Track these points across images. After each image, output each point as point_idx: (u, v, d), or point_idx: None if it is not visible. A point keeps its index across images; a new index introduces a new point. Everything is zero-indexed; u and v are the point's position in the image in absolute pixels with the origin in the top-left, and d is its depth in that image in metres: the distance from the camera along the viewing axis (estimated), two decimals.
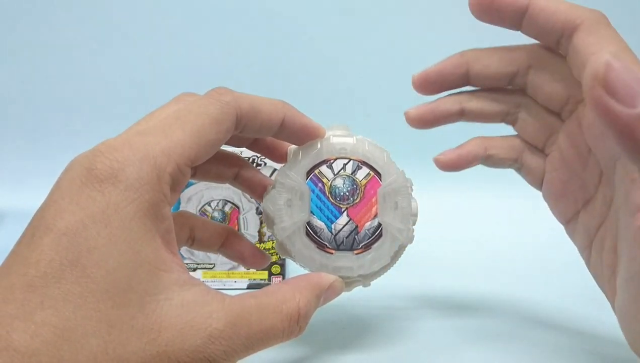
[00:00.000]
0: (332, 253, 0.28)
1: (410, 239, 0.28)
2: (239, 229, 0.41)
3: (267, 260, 0.33)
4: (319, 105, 0.73)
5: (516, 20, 0.27)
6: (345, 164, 0.28)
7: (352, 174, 0.28)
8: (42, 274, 0.19)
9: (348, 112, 0.70)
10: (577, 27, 0.25)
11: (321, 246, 0.28)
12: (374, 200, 0.28)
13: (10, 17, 0.68)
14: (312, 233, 0.28)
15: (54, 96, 0.70)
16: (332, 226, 0.28)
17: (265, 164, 0.39)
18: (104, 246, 0.19)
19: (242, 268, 0.41)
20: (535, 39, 0.28)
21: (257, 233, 0.40)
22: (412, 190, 0.29)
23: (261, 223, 0.40)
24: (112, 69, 0.69)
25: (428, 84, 0.30)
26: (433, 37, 0.69)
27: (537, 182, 0.31)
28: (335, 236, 0.28)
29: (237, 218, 0.40)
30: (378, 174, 0.28)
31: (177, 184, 0.22)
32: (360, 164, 0.28)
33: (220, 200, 0.40)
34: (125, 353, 0.19)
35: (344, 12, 0.69)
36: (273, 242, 0.41)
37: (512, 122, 0.31)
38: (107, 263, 0.19)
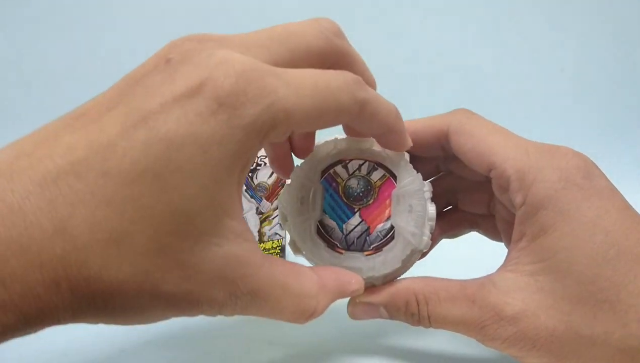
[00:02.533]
0: (342, 253, 0.28)
1: (426, 245, 0.28)
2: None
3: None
4: None
5: None
6: (360, 165, 0.28)
7: (367, 174, 0.28)
8: (121, 180, 0.17)
9: None
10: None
11: (331, 245, 0.28)
12: (387, 202, 0.28)
13: (10, 17, 0.67)
14: (323, 232, 0.28)
15: (54, 96, 0.68)
16: (344, 226, 0.28)
17: (265, 163, 0.39)
18: (191, 172, 0.18)
19: None
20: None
21: (257, 233, 0.40)
22: (430, 194, 0.28)
23: (261, 223, 0.40)
24: (112, 69, 0.68)
25: None
26: (433, 37, 0.69)
27: (497, 239, 0.32)
28: (346, 236, 0.28)
29: None
30: (393, 175, 0.28)
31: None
32: (375, 165, 0.28)
33: None
34: (162, 279, 0.18)
35: (345, 12, 0.69)
36: (273, 242, 0.40)
37: (454, 202, 0.33)
38: (184, 191, 0.18)
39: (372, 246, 0.28)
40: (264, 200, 0.40)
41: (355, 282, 0.26)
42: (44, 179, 0.17)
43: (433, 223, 0.28)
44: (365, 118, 0.23)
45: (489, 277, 0.27)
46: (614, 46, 0.70)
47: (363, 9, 0.69)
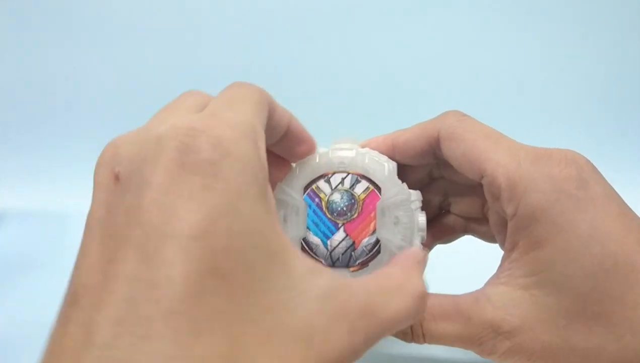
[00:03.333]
0: None
1: None
2: None
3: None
4: (321, 106, 0.72)
5: None
6: (343, 178, 0.27)
7: (350, 188, 0.27)
8: (182, 296, 0.15)
9: (349, 112, 0.69)
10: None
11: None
12: (372, 215, 0.27)
13: (10, 17, 0.68)
14: (307, 249, 0.27)
15: (54, 96, 0.69)
16: (329, 242, 0.27)
17: None
18: (238, 240, 0.16)
19: None
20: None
21: None
22: (419, 203, 0.28)
23: None
24: (113, 69, 0.69)
25: None
26: (434, 36, 0.68)
27: (491, 241, 0.31)
28: (331, 252, 0.27)
29: None
30: (378, 187, 0.27)
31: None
32: (359, 178, 0.27)
33: None
34: (291, 360, 0.16)
35: (345, 12, 0.68)
36: None
37: (447, 207, 0.32)
38: (243, 262, 0.16)
39: (357, 261, 0.27)
40: None
41: (417, 250, 0.25)
42: None
43: (424, 233, 0.27)
44: (270, 112, 0.22)
45: (482, 291, 0.26)
46: (614, 46, 0.68)
47: (363, 9, 0.68)
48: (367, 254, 0.27)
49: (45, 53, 0.68)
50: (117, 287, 0.15)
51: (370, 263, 0.27)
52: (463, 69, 0.67)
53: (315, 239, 0.27)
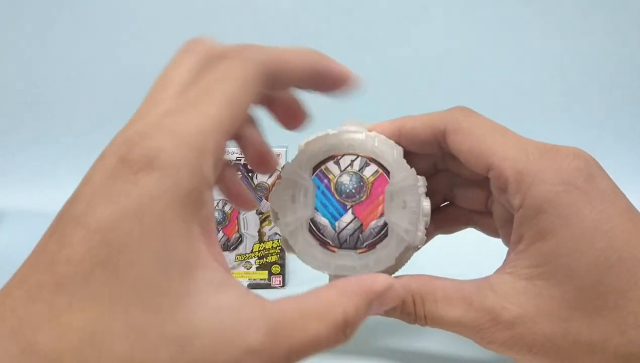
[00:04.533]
0: (334, 252, 0.27)
1: (421, 241, 0.27)
2: (238, 229, 0.40)
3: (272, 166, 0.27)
4: (320, 106, 0.72)
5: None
6: (353, 161, 0.28)
7: (359, 170, 0.27)
8: (71, 273, 0.17)
9: (349, 112, 0.69)
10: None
11: (324, 243, 0.27)
12: (380, 198, 0.27)
13: (10, 17, 0.68)
14: (315, 230, 0.27)
15: (55, 96, 0.70)
16: (336, 223, 0.27)
17: None
18: (136, 244, 0.18)
19: (242, 268, 0.40)
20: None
21: (257, 234, 0.39)
22: (424, 189, 0.28)
23: (261, 223, 0.39)
24: (113, 68, 0.69)
25: None
26: (435, 36, 0.69)
27: (494, 235, 0.31)
28: (339, 234, 0.27)
29: (237, 218, 0.40)
30: (387, 171, 0.27)
31: (217, 162, 0.21)
32: (368, 161, 0.28)
33: (220, 199, 0.39)
34: (152, 361, 0.17)
35: (346, 11, 0.69)
36: (273, 242, 0.40)
37: (451, 199, 0.32)
38: (138, 264, 0.18)
39: (365, 244, 0.27)
40: (264, 200, 0.39)
41: (381, 281, 0.22)
42: None
43: (428, 218, 0.27)
44: (279, 73, 0.22)
45: (487, 279, 0.26)
46: (615, 46, 0.69)
47: (363, 9, 0.69)
48: (374, 237, 0.27)
49: (46, 53, 0.69)
50: (35, 255, 0.18)
51: (378, 246, 0.27)
52: (461, 68, 0.68)
53: (323, 220, 0.27)
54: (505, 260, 0.26)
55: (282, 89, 0.24)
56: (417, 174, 0.28)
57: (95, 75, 0.69)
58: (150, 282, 0.18)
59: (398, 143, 0.29)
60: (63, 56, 0.69)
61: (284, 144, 0.41)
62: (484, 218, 0.31)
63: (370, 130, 0.29)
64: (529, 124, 0.68)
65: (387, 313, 0.27)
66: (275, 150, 0.40)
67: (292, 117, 0.25)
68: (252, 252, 0.40)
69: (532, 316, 0.24)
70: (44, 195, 0.63)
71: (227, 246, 0.40)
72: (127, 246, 0.18)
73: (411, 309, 0.26)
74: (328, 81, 0.24)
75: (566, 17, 0.68)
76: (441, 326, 0.26)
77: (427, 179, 0.29)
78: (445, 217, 0.32)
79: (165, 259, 0.18)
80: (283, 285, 0.40)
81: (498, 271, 0.26)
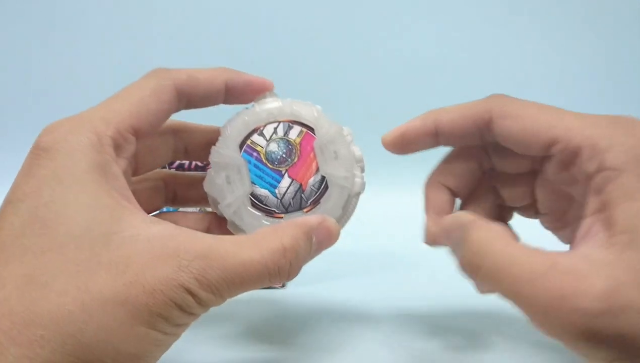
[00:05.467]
0: (282, 217, 0.27)
1: (361, 186, 0.28)
2: None
3: None
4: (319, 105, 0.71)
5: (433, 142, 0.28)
6: (275, 128, 0.28)
7: (284, 135, 0.28)
8: (4, 238, 0.20)
9: (349, 110, 0.69)
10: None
11: (269, 213, 0.27)
12: (312, 155, 0.27)
13: (10, 16, 0.66)
14: (257, 202, 0.27)
15: (54, 96, 0.67)
16: (276, 191, 0.27)
17: None
18: (60, 198, 0.20)
19: None
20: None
21: None
22: (351, 138, 0.28)
23: None
24: (112, 68, 0.67)
25: (399, 146, 0.28)
26: (436, 35, 0.69)
27: (533, 217, 0.30)
28: (281, 200, 0.27)
29: None
30: (311, 129, 0.28)
31: (121, 149, 0.23)
32: (290, 124, 0.28)
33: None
34: (96, 286, 0.19)
35: (346, 10, 0.69)
36: None
37: (500, 201, 0.30)
38: (65, 213, 0.20)
39: (309, 201, 0.27)
40: None
41: (313, 216, 0.25)
42: None
43: (362, 163, 0.28)
44: (191, 86, 0.26)
45: (570, 251, 0.23)
46: (615, 46, 0.70)
47: (363, 9, 0.68)
48: (316, 193, 0.27)
49: (46, 53, 0.67)
50: None
51: (321, 200, 0.27)
52: (461, 69, 0.68)
53: (263, 191, 0.27)
54: (584, 235, 0.23)
55: (205, 101, 0.28)
56: (467, 180, 0.28)
57: (96, 76, 0.67)
58: (79, 224, 0.20)
59: (435, 140, 0.28)
60: (63, 56, 0.67)
61: None
62: (524, 208, 0.30)
63: (401, 133, 0.28)
64: None
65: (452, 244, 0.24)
66: None
67: (249, 95, 0.28)
68: None
69: (627, 289, 0.19)
70: None
71: None
72: (53, 202, 0.20)
73: (469, 254, 0.22)
74: (243, 91, 0.28)
75: (566, 16, 0.69)
76: (496, 281, 0.21)
77: (477, 187, 0.29)
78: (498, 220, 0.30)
79: (92, 208, 0.20)
80: (283, 286, 0.39)
81: (579, 245, 0.23)
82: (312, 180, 0.27)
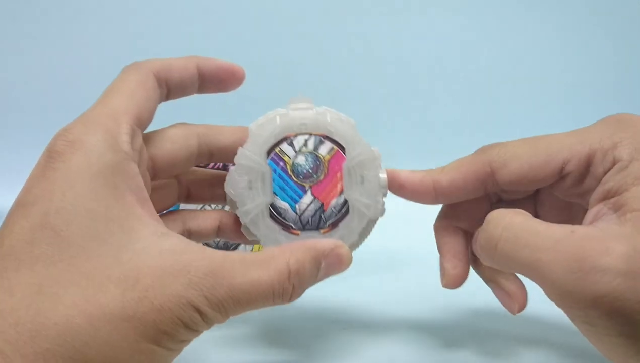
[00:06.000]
0: (298, 234, 0.27)
1: (381, 213, 0.27)
2: None
3: None
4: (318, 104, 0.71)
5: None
6: (306, 140, 0.27)
7: (314, 149, 0.27)
8: (14, 242, 0.19)
9: (347, 111, 0.68)
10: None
11: (286, 227, 0.27)
12: (339, 175, 0.27)
13: (10, 17, 0.64)
14: (276, 215, 0.27)
15: (54, 96, 0.67)
16: (297, 206, 0.27)
17: None
18: (71, 205, 0.20)
19: None
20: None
21: None
22: (380, 161, 0.27)
23: None
24: (114, 69, 0.66)
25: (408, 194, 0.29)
26: (436, 35, 0.68)
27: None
28: (300, 216, 0.27)
29: None
30: (342, 148, 0.27)
31: (134, 140, 0.23)
32: (322, 139, 0.27)
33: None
34: (104, 300, 0.19)
35: (344, 9, 0.67)
36: None
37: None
38: (76, 221, 0.20)
39: (327, 223, 0.27)
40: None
41: (326, 241, 0.24)
42: None
43: (386, 189, 0.27)
44: (166, 71, 0.26)
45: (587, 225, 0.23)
46: (615, 46, 0.69)
47: (364, 9, 0.67)
48: (336, 215, 0.27)
49: (45, 53, 0.66)
50: None
51: (340, 224, 0.27)
52: (460, 69, 0.67)
53: (283, 204, 0.27)
54: (593, 217, 0.23)
55: (182, 92, 0.28)
56: (478, 217, 0.26)
57: (96, 78, 0.66)
58: (90, 234, 0.20)
59: (434, 199, 0.28)
60: (63, 57, 0.66)
61: None
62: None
63: (394, 179, 0.28)
64: (529, 125, 0.68)
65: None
66: None
67: (222, 80, 0.28)
68: (252, 251, 0.39)
69: None
70: None
71: (227, 246, 0.39)
72: (64, 208, 0.20)
73: (489, 231, 0.23)
74: (215, 76, 0.28)
75: (567, 16, 0.68)
76: (518, 251, 0.22)
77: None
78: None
79: (103, 216, 0.20)
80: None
81: (593, 223, 0.23)
82: (335, 201, 0.27)
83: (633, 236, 0.20)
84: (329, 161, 0.27)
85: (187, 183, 0.30)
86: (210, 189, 0.30)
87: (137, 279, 0.20)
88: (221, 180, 0.29)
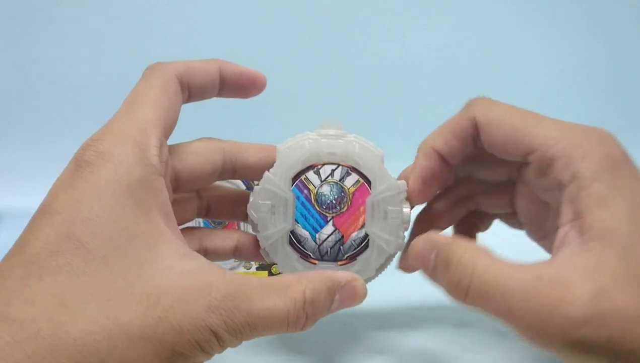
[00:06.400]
0: (315, 264, 0.27)
1: (400, 247, 0.27)
2: (238, 228, 0.40)
3: None
4: (320, 105, 0.71)
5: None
6: (333, 170, 0.27)
7: (340, 180, 0.27)
8: (39, 250, 0.19)
9: (348, 112, 0.68)
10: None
11: (305, 256, 0.27)
12: (362, 209, 0.27)
13: (10, 17, 0.68)
14: (295, 242, 0.27)
15: (54, 96, 0.69)
16: (317, 235, 0.27)
17: None
18: (98, 217, 0.20)
19: (242, 268, 0.40)
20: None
21: None
22: (405, 194, 0.27)
23: None
24: (113, 69, 0.69)
25: (425, 194, 0.29)
26: (436, 35, 0.68)
27: (518, 227, 0.31)
28: (319, 246, 0.27)
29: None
30: (368, 181, 0.27)
31: (162, 154, 0.23)
32: (349, 170, 0.27)
33: None
34: (125, 318, 0.19)
35: (346, 11, 0.68)
36: None
37: (474, 206, 0.31)
38: (102, 233, 0.20)
39: (346, 255, 0.27)
40: None
41: (343, 273, 0.24)
42: None
43: (408, 224, 0.27)
44: (188, 75, 0.26)
45: (551, 260, 0.23)
46: (614, 47, 0.68)
47: (362, 9, 0.67)
48: (355, 248, 0.27)
49: (45, 53, 0.68)
50: (13, 246, 0.20)
51: (358, 258, 0.26)
52: (460, 70, 0.66)
53: (304, 232, 0.27)
54: (561, 244, 0.24)
55: (202, 95, 0.27)
56: (459, 149, 0.27)
57: (95, 77, 0.69)
58: (115, 248, 0.20)
59: (449, 169, 0.28)
60: (63, 58, 0.68)
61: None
62: (507, 217, 0.31)
63: (421, 181, 0.28)
64: None
65: (437, 271, 0.25)
66: None
67: (244, 87, 0.28)
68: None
69: (610, 292, 0.20)
70: (44, 196, 0.63)
71: None
72: (90, 220, 0.20)
73: (454, 263, 0.23)
74: (236, 82, 0.27)
75: (566, 17, 0.67)
76: (488, 298, 0.22)
77: (448, 190, 0.30)
78: (468, 226, 0.32)
79: (128, 231, 0.20)
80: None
81: (558, 253, 0.23)
82: (355, 234, 0.27)
83: (596, 270, 0.21)
84: (353, 193, 0.27)
85: (208, 198, 0.30)
86: (231, 207, 0.30)
87: (158, 298, 0.20)
88: (242, 199, 0.29)
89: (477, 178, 0.30)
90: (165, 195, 0.23)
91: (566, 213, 0.24)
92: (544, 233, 0.29)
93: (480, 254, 0.23)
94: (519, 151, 0.25)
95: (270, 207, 0.27)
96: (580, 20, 0.67)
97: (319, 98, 0.69)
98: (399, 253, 0.27)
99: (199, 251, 0.28)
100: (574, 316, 0.20)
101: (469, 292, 0.22)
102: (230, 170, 0.28)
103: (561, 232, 0.24)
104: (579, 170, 0.23)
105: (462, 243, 0.23)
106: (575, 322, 0.20)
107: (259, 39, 0.68)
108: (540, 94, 0.68)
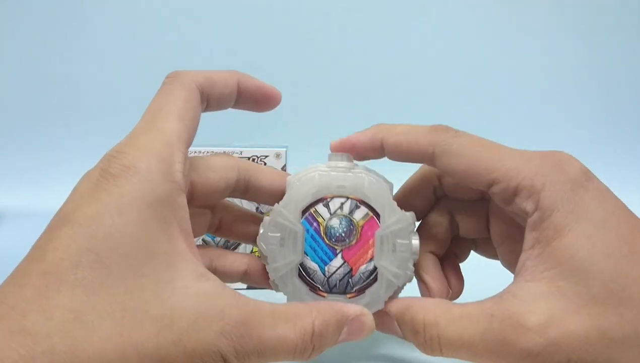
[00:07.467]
0: (324, 297, 0.27)
1: (409, 279, 0.27)
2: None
3: None
4: (320, 106, 0.71)
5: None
6: (342, 203, 0.27)
7: (349, 213, 0.27)
8: (58, 260, 0.19)
9: (348, 112, 0.68)
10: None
11: (313, 288, 0.27)
12: (370, 242, 0.27)
13: (11, 18, 0.67)
14: (304, 275, 0.27)
15: (54, 97, 0.69)
16: (326, 268, 0.27)
17: (265, 163, 0.39)
18: (119, 233, 0.20)
19: None
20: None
21: None
22: (414, 226, 0.27)
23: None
24: (113, 70, 0.68)
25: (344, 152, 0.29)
26: (436, 36, 0.68)
27: (494, 257, 0.31)
28: (328, 279, 0.27)
29: None
30: (377, 214, 0.27)
31: (185, 169, 0.23)
32: (358, 203, 0.27)
33: None
34: (139, 337, 0.19)
35: (346, 11, 0.67)
36: None
37: (456, 230, 0.32)
38: (121, 250, 0.20)
39: (354, 288, 0.27)
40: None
41: (353, 306, 0.25)
42: None
43: (416, 256, 0.27)
44: (208, 87, 0.26)
45: (506, 290, 0.25)
46: (614, 48, 0.68)
47: (361, 11, 0.67)
48: (364, 281, 0.27)
49: (45, 54, 0.68)
50: (28, 253, 0.20)
51: (367, 291, 0.27)
52: (459, 71, 0.66)
53: (313, 265, 0.27)
54: (520, 269, 0.25)
55: (218, 106, 0.27)
56: (418, 207, 0.28)
57: (96, 78, 0.68)
58: (133, 266, 0.20)
59: (382, 154, 0.28)
60: (63, 58, 0.68)
61: (283, 144, 0.41)
62: (484, 243, 0.31)
63: (345, 143, 0.28)
64: (529, 127, 0.67)
65: (403, 333, 0.26)
66: (275, 150, 0.40)
67: (259, 101, 0.28)
68: (251, 252, 0.40)
69: (563, 318, 0.22)
70: (44, 196, 0.63)
71: (227, 246, 0.40)
72: (111, 235, 0.20)
73: (422, 332, 0.25)
74: (253, 95, 0.28)
75: (566, 19, 0.67)
76: (460, 349, 0.24)
77: (431, 211, 0.30)
78: (450, 258, 0.32)
79: (147, 249, 0.20)
80: None
81: (516, 280, 0.25)
82: (364, 267, 0.27)
83: (549, 298, 0.22)
84: (362, 226, 0.27)
85: (221, 216, 0.31)
86: (242, 226, 0.30)
87: (172, 319, 0.20)
88: (254, 221, 0.30)
89: (453, 198, 0.31)
90: (185, 212, 0.23)
91: (528, 240, 0.25)
92: (515, 256, 0.28)
93: (439, 311, 0.24)
94: (481, 183, 0.26)
95: (280, 239, 0.27)
96: (580, 21, 0.68)
97: (319, 98, 0.69)
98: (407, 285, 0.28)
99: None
100: (527, 347, 0.22)
101: (442, 350, 0.24)
102: (242, 189, 0.28)
103: (522, 257, 0.25)
104: (540, 200, 0.24)
105: (420, 305, 0.25)
106: (529, 353, 0.22)
107: (261, 39, 0.67)
108: (540, 94, 0.68)
